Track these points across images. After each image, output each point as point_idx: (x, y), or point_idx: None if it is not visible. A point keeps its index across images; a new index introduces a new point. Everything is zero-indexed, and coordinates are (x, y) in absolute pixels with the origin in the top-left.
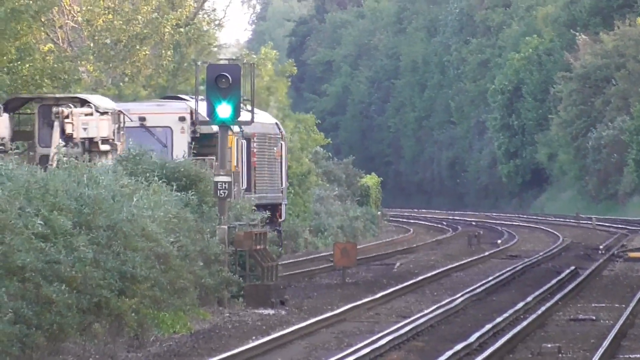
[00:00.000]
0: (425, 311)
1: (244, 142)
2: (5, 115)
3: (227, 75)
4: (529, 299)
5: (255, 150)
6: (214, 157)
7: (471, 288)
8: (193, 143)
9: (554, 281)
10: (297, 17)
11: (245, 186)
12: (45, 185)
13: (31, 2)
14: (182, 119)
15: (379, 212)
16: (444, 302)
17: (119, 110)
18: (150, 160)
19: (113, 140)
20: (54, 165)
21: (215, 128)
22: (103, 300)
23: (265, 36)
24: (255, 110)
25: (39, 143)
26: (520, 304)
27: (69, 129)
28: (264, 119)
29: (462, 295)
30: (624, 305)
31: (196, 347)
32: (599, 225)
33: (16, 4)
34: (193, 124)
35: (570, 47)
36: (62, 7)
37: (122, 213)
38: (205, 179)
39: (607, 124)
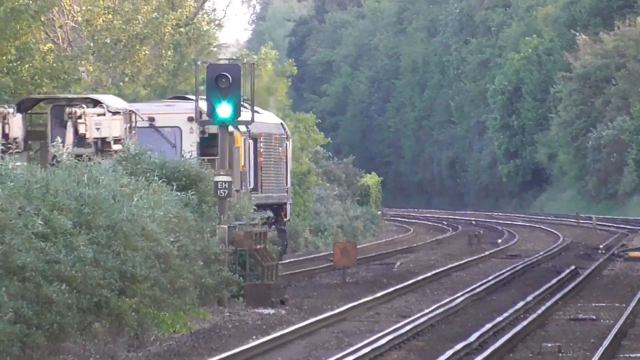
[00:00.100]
0: (426, 311)
1: (251, 142)
2: (19, 116)
3: (227, 75)
4: (529, 298)
5: (261, 150)
6: None
7: (471, 287)
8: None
9: (554, 281)
10: (297, 17)
11: (252, 186)
12: (45, 185)
13: (31, 1)
14: (191, 119)
15: (379, 212)
16: (444, 302)
17: (131, 110)
18: (149, 159)
19: (124, 139)
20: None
21: None
22: (103, 299)
23: (265, 36)
24: (261, 110)
25: (52, 143)
26: (521, 304)
27: (82, 129)
28: (270, 119)
29: (462, 295)
30: (624, 305)
31: (196, 347)
32: (599, 224)
33: (16, 3)
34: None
35: (570, 47)
36: (62, 7)
37: (122, 213)
38: (205, 179)
39: (607, 123)
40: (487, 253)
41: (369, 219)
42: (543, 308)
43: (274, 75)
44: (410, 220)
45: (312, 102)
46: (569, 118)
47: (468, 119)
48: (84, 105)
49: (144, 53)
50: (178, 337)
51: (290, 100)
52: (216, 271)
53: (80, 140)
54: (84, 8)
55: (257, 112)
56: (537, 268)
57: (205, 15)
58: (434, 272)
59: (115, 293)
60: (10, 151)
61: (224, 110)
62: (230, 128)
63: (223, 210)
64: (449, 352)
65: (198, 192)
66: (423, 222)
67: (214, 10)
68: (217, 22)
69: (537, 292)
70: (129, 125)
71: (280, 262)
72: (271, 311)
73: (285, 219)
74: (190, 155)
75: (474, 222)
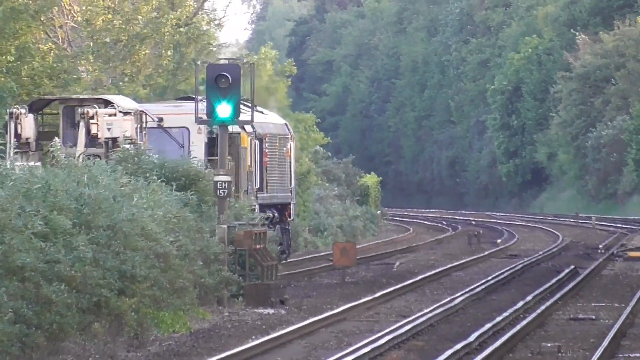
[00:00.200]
0: (425, 310)
1: (257, 142)
2: (31, 116)
3: (227, 75)
4: (529, 298)
5: (267, 150)
6: (230, 157)
7: (471, 287)
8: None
9: (553, 280)
10: (297, 16)
11: (258, 186)
12: (46, 184)
13: (30, 1)
14: None
15: (378, 212)
16: (443, 302)
17: (141, 111)
18: (148, 159)
19: (136, 140)
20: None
21: (230, 128)
22: (103, 299)
23: (265, 36)
24: (265, 111)
25: (64, 143)
26: (520, 304)
27: (94, 129)
28: (275, 119)
29: (461, 295)
30: (623, 305)
31: (196, 347)
32: (599, 224)
33: (15, 3)
34: None
35: (570, 47)
36: (62, 6)
37: (122, 213)
38: (205, 178)
39: (607, 123)
40: (486, 253)
41: (368, 218)
42: (542, 308)
43: (273, 75)
44: (410, 220)
45: (311, 102)
46: (569, 118)
47: (468, 119)
48: (95, 106)
49: (143, 53)
50: (177, 337)
51: (290, 100)
52: (216, 271)
53: (92, 140)
54: (83, 8)
55: (262, 112)
56: (536, 268)
57: (205, 15)
58: (433, 272)
59: (114, 293)
60: (22, 151)
61: (224, 110)
62: (237, 128)
63: (223, 209)
64: (449, 352)
65: (197, 192)
66: (423, 221)
67: (214, 10)
68: (216, 21)
69: (536, 292)
70: (139, 125)
71: (285, 261)
72: (271, 311)
73: (289, 219)
74: (196, 157)
75: (473, 222)
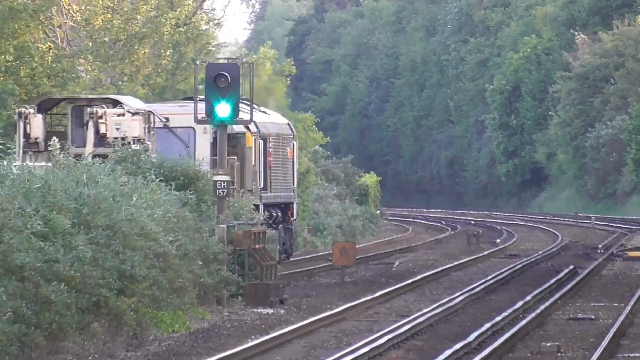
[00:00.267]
0: (425, 310)
1: (261, 142)
2: (39, 116)
3: (226, 74)
4: (528, 298)
5: (270, 150)
6: (235, 157)
7: (470, 287)
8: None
9: (553, 280)
10: (296, 16)
11: (262, 185)
12: (45, 184)
13: (29, 1)
14: None
15: (377, 211)
16: (443, 301)
17: (149, 111)
18: (147, 159)
19: (144, 140)
20: None
21: (236, 128)
22: (102, 299)
23: (264, 35)
24: (269, 110)
25: (72, 143)
26: (520, 303)
27: (102, 129)
28: (278, 119)
29: (461, 295)
30: (623, 304)
31: (195, 347)
32: (598, 224)
33: (14, 2)
34: None
35: (569, 47)
36: (61, 6)
37: (121, 212)
38: (204, 178)
39: (606, 123)
40: (486, 253)
41: (367, 218)
42: (542, 307)
43: (272, 74)
44: (409, 220)
45: (311, 102)
46: (568, 117)
47: (467, 119)
48: (104, 106)
49: (142, 52)
50: (177, 336)
51: (289, 100)
52: (215, 271)
53: (100, 139)
54: (82, 7)
55: (265, 112)
56: (536, 268)
57: (204, 15)
58: (433, 271)
59: (114, 293)
60: (31, 151)
61: (223, 109)
62: (242, 128)
63: (222, 209)
64: (448, 352)
65: (196, 191)
66: (422, 221)
67: (213, 9)
68: (216, 21)
69: (536, 292)
70: (147, 125)
71: (288, 260)
72: (270, 311)
73: (292, 218)
74: (202, 157)
75: (472, 222)
